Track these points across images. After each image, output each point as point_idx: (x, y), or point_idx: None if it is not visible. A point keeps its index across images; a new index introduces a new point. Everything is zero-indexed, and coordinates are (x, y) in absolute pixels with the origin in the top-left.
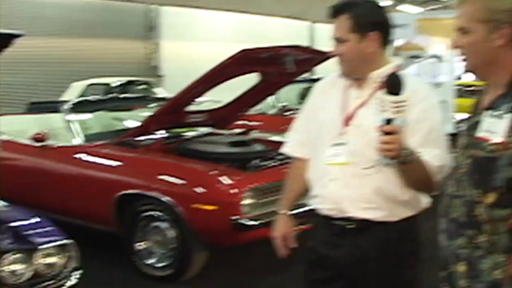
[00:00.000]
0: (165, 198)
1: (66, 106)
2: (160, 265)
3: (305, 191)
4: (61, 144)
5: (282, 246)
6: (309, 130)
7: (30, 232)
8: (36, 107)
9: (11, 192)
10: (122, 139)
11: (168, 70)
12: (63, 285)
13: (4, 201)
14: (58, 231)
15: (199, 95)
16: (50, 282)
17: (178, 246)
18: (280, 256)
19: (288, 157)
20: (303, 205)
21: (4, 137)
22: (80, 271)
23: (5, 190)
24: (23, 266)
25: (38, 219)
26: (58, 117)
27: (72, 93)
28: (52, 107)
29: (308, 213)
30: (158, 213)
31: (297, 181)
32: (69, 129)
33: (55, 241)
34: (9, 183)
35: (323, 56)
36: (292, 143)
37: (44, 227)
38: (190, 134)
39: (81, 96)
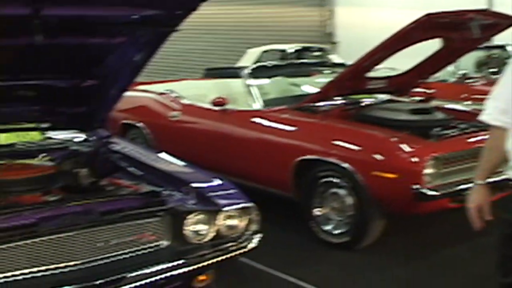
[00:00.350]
0: (345, 165)
1: (245, 71)
2: (336, 232)
3: (503, 162)
4: (240, 109)
5: (477, 218)
6: (510, 98)
7: (214, 194)
8: (212, 73)
9: (191, 155)
10: (301, 105)
11: (342, 37)
12: (244, 247)
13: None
14: (241, 194)
15: (380, 61)
16: (231, 244)
17: (355, 213)
18: (475, 228)
19: (473, 126)
20: (499, 173)
21: (185, 101)
22: (260, 235)
23: (185, 152)
24: (206, 226)
25: (221, 182)
26: (236, 82)
27: (248, 59)
28: (227, 73)
29: (505, 183)
30: (336, 179)
31: (496, 151)
32: (249, 94)
33: (238, 203)
34: (189, 146)
35: (511, 21)
36: (491, 111)
37: (227, 190)
38: (368, 100)
39: (257, 62)
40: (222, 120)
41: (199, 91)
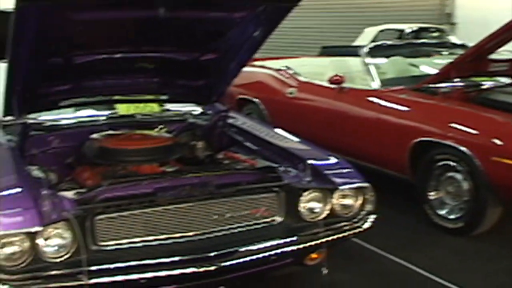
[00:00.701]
0: (462, 148)
1: (364, 50)
2: (451, 216)
3: None
4: (358, 87)
5: None
6: None
7: (330, 172)
8: (328, 51)
9: (306, 132)
10: (419, 85)
11: (462, 17)
12: (358, 227)
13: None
14: (357, 173)
15: (504, 43)
16: (345, 223)
17: (471, 199)
18: None
19: None
20: None
21: (301, 78)
22: (374, 215)
23: (300, 129)
24: (320, 205)
25: (336, 160)
26: (353, 61)
27: (365, 38)
28: (344, 51)
29: None
30: (453, 163)
31: None
32: (367, 72)
33: (354, 183)
34: (304, 123)
35: None
36: None
37: (343, 168)
38: (490, 83)
39: (373, 41)
40: (338, 98)
41: (315, 69)
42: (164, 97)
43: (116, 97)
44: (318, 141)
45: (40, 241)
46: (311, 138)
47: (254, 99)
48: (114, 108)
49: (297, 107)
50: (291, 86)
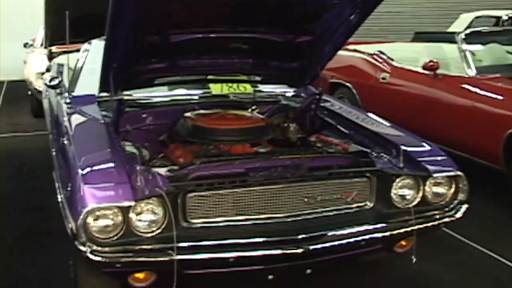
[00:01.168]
0: None
1: (460, 36)
2: None
3: None
4: (452, 74)
5: None
6: None
7: (423, 159)
8: (421, 37)
9: (397, 117)
10: None
11: None
12: (450, 216)
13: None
14: (451, 161)
15: None
16: (436, 212)
17: None
18: None
19: None
20: None
21: (395, 64)
22: (466, 205)
23: (392, 115)
24: (412, 192)
25: (430, 147)
26: (447, 47)
27: (460, 25)
28: (438, 37)
29: None
30: None
31: None
32: (462, 59)
33: (447, 171)
34: (396, 108)
35: None
36: None
37: (437, 156)
38: None
39: (468, 28)
40: (432, 84)
41: (409, 54)
42: (257, 78)
43: (210, 77)
44: (409, 127)
45: (132, 216)
46: (403, 124)
47: (347, 83)
48: (207, 88)
49: (389, 92)
50: (384, 71)
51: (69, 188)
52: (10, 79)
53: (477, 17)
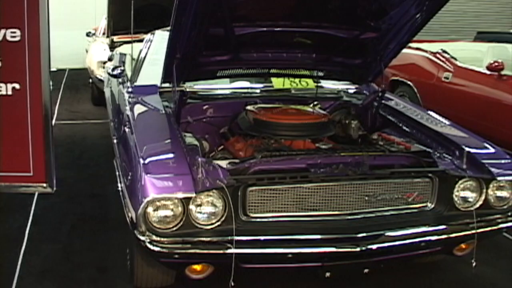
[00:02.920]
0: None
1: None
2: None
3: None
4: None
5: None
6: None
7: (487, 161)
8: (484, 37)
9: (459, 117)
10: None
11: None
12: (510, 221)
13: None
14: None
15: None
16: (498, 216)
17: None
18: None
19: None
20: None
21: (458, 63)
22: None
23: (453, 115)
24: (475, 194)
25: (494, 149)
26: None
27: None
28: (500, 37)
29: None
30: None
31: None
32: None
33: (511, 175)
34: (457, 108)
35: None
36: None
37: (501, 159)
38: None
39: None
40: (496, 85)
41: (472, 54)
42: (320, 74)
43: (272, 71)
44: (471, 128)
45: (192, 207)
46: (464, 125)
47: (408, 81)
48: (269, 82)
49: (451, 92)
50: (446, 71)
51: (129, 177)
52: (71, 67)
53: None
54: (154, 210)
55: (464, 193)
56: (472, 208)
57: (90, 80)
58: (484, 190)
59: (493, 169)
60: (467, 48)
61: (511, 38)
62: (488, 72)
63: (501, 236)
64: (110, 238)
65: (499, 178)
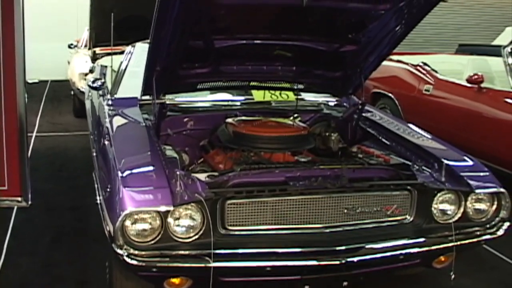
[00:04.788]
0: None
1: (507, 49)
2: None
3: None
4: (498, 89)
5: None
6: None
7: (466, 174)
8: (465, 49)
9: (438, 130)
10: None
11: None
12: (491, 233)
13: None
14: (493, 177)
15: None
16: (477, 228)
17: None
18: None
19: None
20: None
21: (439, 76)
22: (508, 223)
23: (433, 127)
24: (453, 207)
25: (473, 162)
26: (492, 60)
27: (505, 38)
28: (481, 50)
29: None
30: None
31: None
32: (508, 73)
33: (490, 187)
34: (437, 121)
35: None
36: None
37: (479, 172)
38: None
39: None
40: (476, 98)
41: (452, 66)
42: (300, 86)
43: (253, 83)
44: (451, 140)
45: (170, 220)
46: (444, 137)
47: (389, 94)
48: (249, 94)
49: (432, 104)
50: (427, 83)
51: (108, 190)
52: (53, 79)
53: None
54: (132, 224)
55: (443, 205)
56: (451, 221)
57: (72, 92)
58: (463, 203)
59: (471, 182)
60: (448, 60)
61: (493, 50)
62: (468, 85)
63: (481, 248)
64: (90, 251)
65: (477, 191)
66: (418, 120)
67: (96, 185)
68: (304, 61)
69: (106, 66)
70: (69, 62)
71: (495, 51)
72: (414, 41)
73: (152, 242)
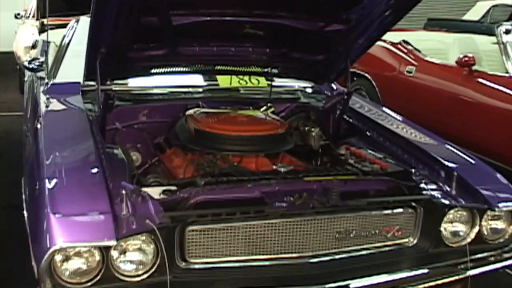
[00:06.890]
0: None
1: (502, 28)
2: None
3: None
4: (492, 73)
5: None
6: None
7: (481, 186)
8: (434, 23)
9: (421, 116)
10: None
11: None
12: (508, 258)
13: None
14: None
15: None
16: (493, 253)
17: None
18: None
19: None
20: None
21: (422, 56)
22: None
23: (415, 112)
24: (466, 227)
25: (487, 169)
26: (479, 39)
27: (475, 13)
28: (450, 24)
29: None
30: None
31: None
32: (504, 54)
33: (510, 200)
34: (420, 106)
35: None
36: None
37: (496, 183)
38: None
39: (484, 17)
40: (466, 82)
41: (436, 45)
42: (274, 71)
43: (218, 67)
44: (435, 126)
45: (114, 254)
46: (428, 122)
47: (366, 74)
48: (214, 80)
49: (415, 87)
50: (409, 64)
51: (34, 211)
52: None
53: (495, 6)
54: (63, 261)
55: (455, 225)
56: (462, 243)
57: (18, 67)
58: (477, 221)
59: (488, 195)
60: (431, 38)
61: (463, 26)
62: (456, 66)
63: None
64: (28, 262)
65: (497, 208)
66: (398, 104)
67: (23, 196)
68: (281, 41)
69: (49, 42)
70: (16, 33)
71: (467, 27)
72: None
73: (90, 283)
